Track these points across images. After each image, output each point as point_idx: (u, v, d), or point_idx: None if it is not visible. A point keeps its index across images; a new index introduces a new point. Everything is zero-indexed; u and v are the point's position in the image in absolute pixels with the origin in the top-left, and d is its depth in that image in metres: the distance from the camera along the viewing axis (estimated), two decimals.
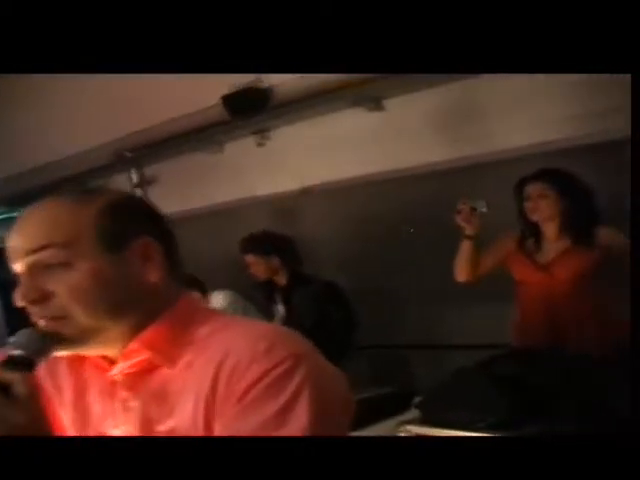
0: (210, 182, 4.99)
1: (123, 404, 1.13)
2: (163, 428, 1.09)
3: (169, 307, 1.13)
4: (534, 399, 2.50)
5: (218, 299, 3.96)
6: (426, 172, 4.04)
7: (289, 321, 3.77)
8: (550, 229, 3.17)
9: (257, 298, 4.08)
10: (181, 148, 4.84)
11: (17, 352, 1.04)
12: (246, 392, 1.01)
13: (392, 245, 4.22)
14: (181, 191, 5.04)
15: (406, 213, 4.15)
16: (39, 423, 1.01)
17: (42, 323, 1.08)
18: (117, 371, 1.13)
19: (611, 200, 3.19)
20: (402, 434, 2.61)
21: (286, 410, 0.99)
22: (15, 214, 4.97)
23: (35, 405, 1.01)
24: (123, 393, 1.13)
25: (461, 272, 3.30)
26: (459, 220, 3.21)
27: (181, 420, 1.07)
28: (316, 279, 3.83)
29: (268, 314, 3.96)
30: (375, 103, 4.14)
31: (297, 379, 1.01)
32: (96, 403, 1.17)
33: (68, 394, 1.20)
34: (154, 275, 1.11)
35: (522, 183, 3.20)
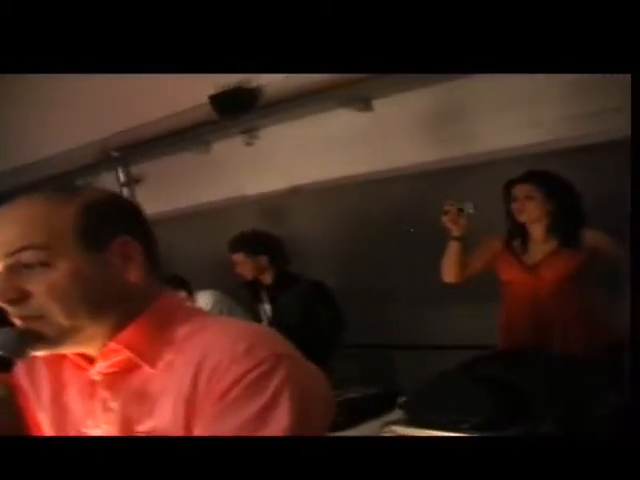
0: (198, 182, 4.99)
1: (103, 404, 1.12)
2: (143, 428, 1.08)
3: (149, 307, 1.12)
4: (519, 400, 2.50)
5: (203, 299, 3.95)
6: (415, 172, 4.05)
7: (275, 320, 3.76)
8: (537, 230, 3.18)
9: (243, 298, 4.07)
10: (169, 147, 4.83)
11: None
12: (226, 393, 1.00)
13: (380, 245, 4.22)
14: (169, 190, 5.04)
15: (394, 213, 4.15)
16: (16, 423, 1.01)
17: (20, 323, 1.07)
18: (96, 371, 1.12)
19: (599, 202, 3.20)
20: (387, 434, 2.61)
21: (266, 411, 0.99)
22: None
23: (11, 405, 1.00)
24: (103, 393, 1.12)
25: (449, 273, 3.31)
26: (446, 221, 3.22)
27: (161, 421, 1.06)
28: (303, 278, 3.83)
29: (254, 314, 3.96)
30: (364, 103, 4.15)
31: (277, 379, 1.01)
32: (75, 403, 1.16)
33: (46, 394, 1.20)
34: (134, 275, 1.10)
35: (510, 184, 3.20)
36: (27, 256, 1.05)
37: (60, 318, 1.05)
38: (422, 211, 3.83)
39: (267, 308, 3.89)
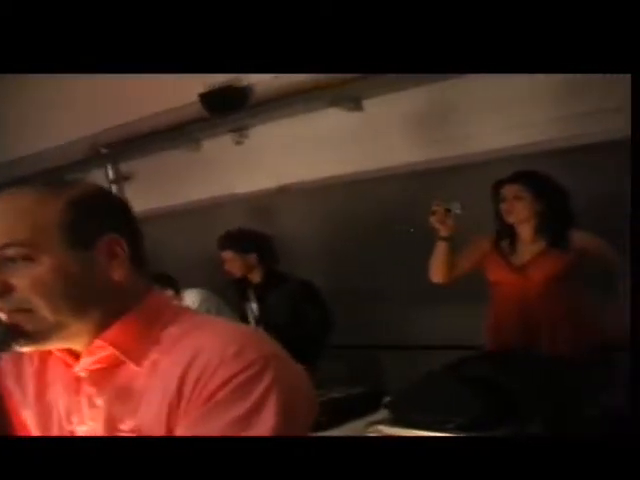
0: (187, 180, 4.98)
1: (89, 400, 1.11)
2: (126, 427, 1.07)
3: (137, 305, 1.11)
4: (506, 401, 2.51)
5: (190, 297, 3.95)
6: (404, 172, 4.05)
7: (262, 319, 3.76)
8: (525, 231, 3.19)
9: (231, 296, 4.06)
10: (159, 145, 4.82)
11: None
12: (213, 394, 1.00)
13: (368, 245, 4.23)
14: (158, 188, 5.03)
15: (383, 213, 4.15)
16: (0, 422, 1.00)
17: (3, 316, 1.06)
18: (81, 367, 1.11)
19: (597, 202, 3.21)
20: (372, 434, 2.60)
21: (252, 413, 0.99)
22: None
23: None
24: (88, 389, 1.12)
25: (436, 273, 3.31)
26: (434, 221, 3.21)
27: (144, 420, 1.06)
28: (291, 278, 3.82)
29: (241, 312, 3.95)
30: (354, 103, 4.15)
31: (265, 383, 1.00)
32: (60, 399, 1.16)
33: (31, 391, 1.19)
34: (119, 273, 1.09)
35: (498, 185, 3.21)
36: (10, 252, 1.04)
37: (44, 313, 1.04)
38: (411, 211, 3.84)
39: (254, 307, 3.89)
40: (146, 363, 1.08)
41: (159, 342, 1.09)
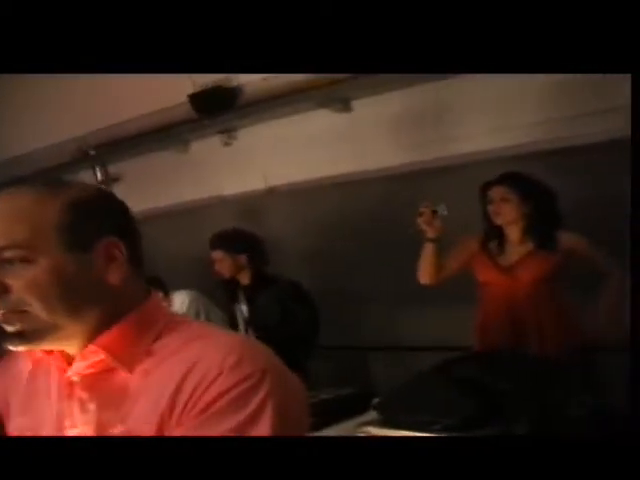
0: (176, 181, 4.97)
1: (81, 405, 1.11)
2: (117, 432, 1.07)
3: (134, 310, 1.11)
4: (493, 401, 2.51)
5: (180, 298, 3.94)
6: (394, 174, 4.06)
7: (251, 321, 3.75)
8: (513, 232, 3.20)
9: (220, 298, 4.06)
10: (147, 146, 4.80)
11: None
12: (209, 405, 1.00)
13: (356, 246, 4.23)
14: (146, 190, 5.00)
15: (371, 214, 4.16)
16: None
17: (0, 317, 1.05)
18: (74, 371, 1.11)
19: (577, 204, 3.23)
20: (361, 435, 2.60)
21: (247, 425, 0.99)
22: None
23: None
24: (81, 393, 1.11)
25: (424, 274, 3.32)
26: (421, 223, 3.22)
27: (134, 426, 1.05)
28: (280, 279, 3.82)
29: (230, 314, 3.94)
30: (343, 104, 4.15)
31: (261, 394, 1.01)
32: (53, 403, 1.15)
33: (23, 395, 1.19)
34: (116, 276, 1.08)
35: (486, 186, 3.22)
36: (8, 254, 1.04)
37: (39, 313, 1.04)
38: (399, 212, 3.84)
39: (244, 309, 3.88)
40: (138, 370, 1.08)
41: (154, 352, 1.09)
